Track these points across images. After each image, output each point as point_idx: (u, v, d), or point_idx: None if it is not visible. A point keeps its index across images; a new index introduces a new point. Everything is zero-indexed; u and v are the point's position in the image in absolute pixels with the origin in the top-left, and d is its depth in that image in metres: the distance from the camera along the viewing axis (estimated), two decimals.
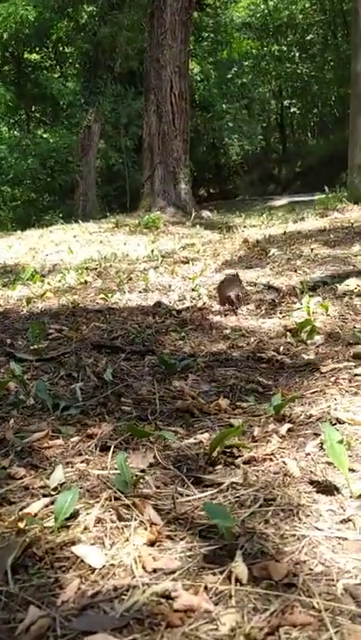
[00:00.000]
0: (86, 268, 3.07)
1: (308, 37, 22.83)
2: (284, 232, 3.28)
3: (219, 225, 6.56)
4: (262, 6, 23.01)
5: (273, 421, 1.00)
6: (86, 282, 2.52)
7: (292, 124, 26.59)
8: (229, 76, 16.96)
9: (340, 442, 0.75)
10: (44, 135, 16.14)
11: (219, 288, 2.03)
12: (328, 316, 1.68)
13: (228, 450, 0.87)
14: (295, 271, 2.36)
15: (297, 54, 22.61)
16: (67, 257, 4.14)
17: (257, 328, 1.66)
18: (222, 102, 16.66)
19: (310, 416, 1.00)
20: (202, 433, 0.96)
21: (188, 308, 1.99)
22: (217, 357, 1.39)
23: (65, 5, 10.69)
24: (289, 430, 0.96)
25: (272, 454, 0.87)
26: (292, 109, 24.98)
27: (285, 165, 25.74)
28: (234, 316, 1.81)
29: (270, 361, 1.35)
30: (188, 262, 2.93)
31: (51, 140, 13.75)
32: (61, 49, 15.09)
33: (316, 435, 0.94)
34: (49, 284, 2.55)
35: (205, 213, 9.09)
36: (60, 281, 2.60)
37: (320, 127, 25.10)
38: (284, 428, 0.96)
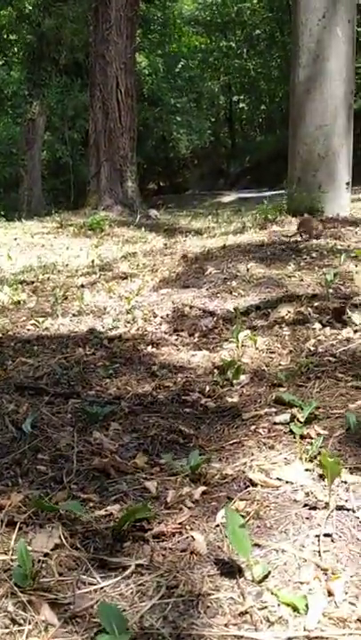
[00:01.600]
0: (22, 282, 3.00)
1: (256, 33, 23.02)
2: (224, 245, 3.30)
3: (165, 227, 6.56)
4: (210, 0, 23.02)
5: (189, 482, 1.01)
6: (19, 302, 2.46)
7: (240, 120, 26.85)
8: (177, 69, 16.87)
9: (242, 526, 0.76)
10: None
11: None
12: (257, 349, 1.70)
13: (139, 523, 0.87)
14: (230, 293, 2.38)
15: (245, 50, 22.79)
16: (5, 264, 4.03)
17: (186, 363, 1.66)
18: (171, 96, 16.56)
19: (225, 476, 1.01)
20: (115, 501, 0.95)
21: (120, 336, 1.97)
22: (142, 400, 1.38)
23: None
24: (203, 493, 0.96)
25: (182, 526, 0.87)
26: (240, 105, 25.22)
27: (234, 160, 25.96)
28: (166, 347, 1.81)
29: (194, 405, 1.36)
30: (126, 278, 2.90)
31: None
32: (5, 36, 14.60)
33: (230, 498, 0.95)
34: None
35: (153, 212, 9.05)
36: None
37: (268, 123, 25.45)
38: (198, 492, 0.96)
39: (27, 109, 10.57)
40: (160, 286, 2.65)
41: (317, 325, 1.87)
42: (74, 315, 2.27)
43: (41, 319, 2.11)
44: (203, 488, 0.98)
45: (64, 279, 3.19)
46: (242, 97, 24.69)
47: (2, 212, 11.17)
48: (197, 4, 22.42)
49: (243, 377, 1.47)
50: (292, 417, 1.19)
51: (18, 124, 12.94)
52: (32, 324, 2.07)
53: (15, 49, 15.00)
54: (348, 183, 3.88)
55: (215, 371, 1.55)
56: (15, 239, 5.29)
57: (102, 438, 1.15)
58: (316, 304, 2.11)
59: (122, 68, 8.41)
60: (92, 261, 3.79)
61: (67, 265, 3.82)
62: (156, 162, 22.42)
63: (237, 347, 1.71)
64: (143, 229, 6.13)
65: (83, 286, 2.85)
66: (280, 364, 1.54)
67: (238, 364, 1.50)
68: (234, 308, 2.12)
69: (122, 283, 2.84)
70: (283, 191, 18.28)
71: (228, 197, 17.95)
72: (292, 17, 3.81)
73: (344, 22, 3.63)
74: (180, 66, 16.55)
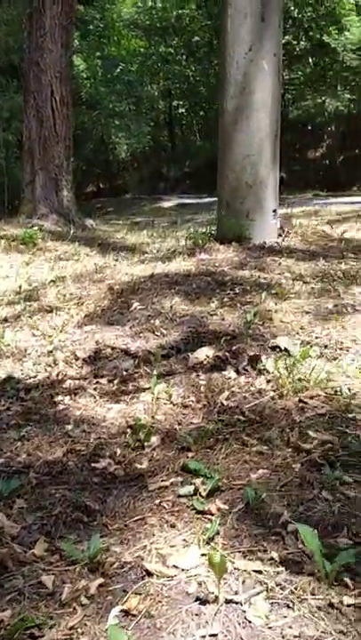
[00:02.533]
0: None
1: (195, 39, 23.23)
2: (152, 274, 3.32)
3: (98, 241, 6.51)
4: (150, 3, 23.06)
5: (87, 573, 1.02)
6: None
7: (180, 124, 27.03)
8: (116, 73, 16.78)
9: None
10: None
11: None
12: (171, 403, 1.73)
13: (29, 630, 0.87)
14: (153, 332, 2.40)
15: (184, 57, 22.97)
16: None
17: (101, 420, 1.66)
18: (109, 100, 16.45)
19: (123, 565, 1.03)
20: (9, 601, 0.95)
21: (38, 385, 1.96)
22: (51, 469, 1.38)
23: None
24: (100, 585, 0.98)
25: (73, 630, 0.88)
26: (180, 110, 25.39)
27: (174, 165, 26.12)
28: (83, 398, 1.81)
29: (103, 473, 1.37)
30: (51, 311, 2.87)
31: None
32: None
33: (125, 591, 0.97)
34: None
35: (89, 222, 8.97)
36: None
37: (207, 129, 25.73)
38: (94, 585, 0.98)
39: None
40: (85, 322, 2.64)
41: (233, 374, 1.92)
42: None
43: None
44: (100, 580, 0.99)
45: None
46: (181, 102, 24.89)
47: None
48: (137, 7, 22.40)
49: (154, 439, 1.50)
50: (196, 490, 1.23)
51: None
52: None
53: None
54: (274, 211, 3.99)
55: (128, 430, 1.56)
56: None
57: (4, 521, 1.14)
58: (234, 347, 2.16)
59: (57, 76, 8.29)
60: (20, 286, 3.72)
61: None
62: (95, 164, 22.18)
63: (153, 400, 1.74)
64: (77, 244, 6.05)
65: (6, 320, 2.80)
66: (192, 423, 1.58)
67: (150, 427, 1.52)
68: (153, 353, 2.14)
69: (47, 316, 2.80)
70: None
71: (168, 202, 18.02)
72: (220, 48, 3.88)
73: (270, 56, 3.74)
74: (118, 70, 16.45)
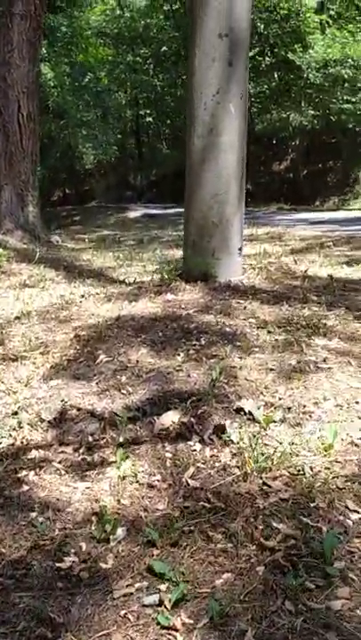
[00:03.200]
0: None
1: (163, 49, 23.31)
2: (118, 317, 3.32)
3: (64, 262, 6.46)
4: (118, 12, 23.05)
5: None
6: None
7: (147, 132, 27.05)
8: (84, 83, 16.69)
9: None
10: None
11: None
12: (137, 482, 1.74)
13: None
14: (119, 390, 2.41)
15: (152, 66, 23.04)
16: None
17: (65, 504, 1.66)
18: (77, 109, 16.34)
19: None
20: None
21: (2, 457, 1.93)
22: (15, 571, 1.37)
23: None
24: None
25: None
26: (147, 119, 25.43)
27: (141, 173, 26.15)
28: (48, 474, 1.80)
29: (68, 575, 1.37)
30: (16, 360, 2.84)
31: None
32: None
33: None
34: None
35: (54, 238, 8.91)
36: None
37: (173, 138, 25.84)
38: None
39: None
40: (51, 375, 2.62)
41: (198, 446, 1.94)
42: None
43: None
44: None
45: None
46: (148, 111, 24.93)
47: None
48: (105, 15, 22.35)
49: (120, 531, 1.50)
50: (161, 600, 1.24)
51: None
52: None
53: None
54: (240, 249, 4.05)
55: (94, 518, 1.57)
56: None
57: None
58: (200, 411, 2.19)
59: (24, 91, 8.20)
60: None
61: None
62: (61, 169, 21.99)
63: (119, 479, 1.75)
64: (43, 266, 5.99)
65: None
66: (157, 509, 1.59)
67: (115, 516, 1.53)
68: (120, 415, 2.15)
69: (12, 366, 2.77)
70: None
71: (135, 213, 18.02)
72: (187, 90, 3.92)
73: (237, 99, 3.80)
74: (86, 79, 16.35)
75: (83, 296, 4.04)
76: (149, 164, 25.27)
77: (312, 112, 17.36)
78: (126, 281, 4.96)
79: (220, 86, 3.73)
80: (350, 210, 15.21)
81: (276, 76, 18.02)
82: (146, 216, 16.63)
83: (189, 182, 3.99)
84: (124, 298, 3.86)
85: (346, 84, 15.69)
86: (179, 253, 6.81)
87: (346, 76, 15.42)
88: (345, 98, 15.54)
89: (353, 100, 15.52)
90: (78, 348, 2.88)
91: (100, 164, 22.91)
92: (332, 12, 17.79)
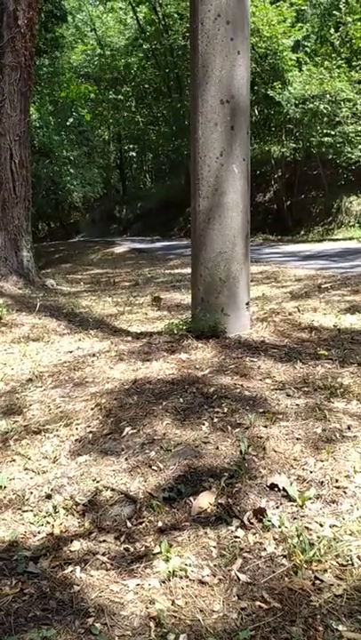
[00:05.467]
0: None
1: (144, 87, 23.88)
2: (135, 381, 3.35)
3: (64, 310, 6.48)
4: (99, 52, 23.60)
5: None
6: None
7: (131, 167, 27.42)
8: (68, 123, 16.99)
9: None
10: None
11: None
12: (187, 578, 1.75)
13: None
14: (150, 467, 2.42)
15: (133, 103, 23.53)
16: None
17: (119, 606, 1.65)
18: (62, 149, 16.61)
19: None
20: None
21: (44, 550, 1.93)
22: None
23: None
24: None
25: None
26: (131, 153, 25.86)
27: (126, 206, 26.48)
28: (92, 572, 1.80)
29: None
30: (39, 432, 2.85)
31: None
32: None
33: None
34: None
35: (49, 282, 8.95)
36: None
37: (157, 172, 26.26)
38: None
39: None
40: (78, 450, 2.63)
41: (240, 532, 1.96)
42: None
43: None
44: None
45: None
46: (131, 146, 25.36)
47: None
48: (86, 55, 22.87)
49: (181, 638, 1.51)
50: None
51: None
52: None
53: None
54: (247, 303, 4.13)
55: (152, 624, 1.57)
56: None
57: None
58: (235, 489, 2.21)
59: (16, 140, 8.34)
60: None
61: None
62: (46, 203, 22.21)
63: (169, 574, 1.76)
64: (44, 316, 6.01)
65: None
66: (213, 610, 1.61)
67: (173, 622, 1.54)
68: (155, 496, 2.16)
69: (36, 440, 2.78)
70: (175, 242, 18.92)
71: (122, 248, 18.16)
72: (191, 152, 4.03)
73: (240, 160, 3.92)
74: (71, 120, 16.65)
75: (94, 355, 4.06)
76: (134, 198, 25.61)
77: (293, 145, 17.81)
78: (132, 332, 5.00)
79: (224, 149, 3.85)
80: (335, 240, 15.51)
81: (256, 111, 18.50)
82: (134, 251, 16.78)
83: (195, 241, 4.08)
84: (137, 357, 3.89)
85: (325, 118, 16.17)
86: (177, 297, 6.90)
87: (324, 111, 15.91)
88: (325, 131, 16.00)
89: (332, 132, 15.98)
90: (101, 418, 2.90)
91: (85, 198, 23.15)
92: (308, 50, 18.42)
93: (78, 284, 9.38)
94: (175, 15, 20.37)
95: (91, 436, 2.74)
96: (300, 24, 17.36)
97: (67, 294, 7.95)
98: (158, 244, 18.34)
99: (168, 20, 20.83)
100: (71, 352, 4.43)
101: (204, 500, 2.16)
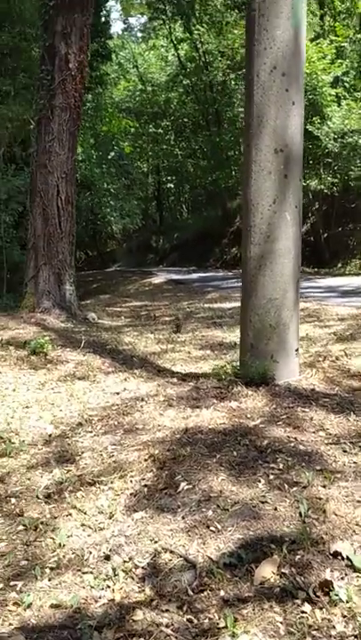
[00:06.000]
0: None
1: (183, 120, 24.37)
2: (186, 430, 3.33)
3: (108, 346, 6.53)
4: (140, 87, 24.29)
5: None
6: None
7: (168, 198, 27.86)
8: (110, 156, 17.44)
9: None
10: None
11: None
12: None
13: None
14: (208, 527, 2.38)
15: (172, 137, 24.02)
16: None
17: None
18: (103, 181, 17.02)
19: None
20: None
21: (107, 619, 1.90)
22: None
23: None
24: None
25: None
26: (168, 185, 26.30)
27: (163, 237, 26.84)
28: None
29: None
30: (93, 484, 2.84)
31: None
32: None
33: None
34: None
35: (90, 315, 9.06)
36: None
37: (194, 204, 26.57)
38: None
39: None
40: (133, 505, 2.62)
41: (307, 607, 1.90)
42: (51, 569, 2.18)
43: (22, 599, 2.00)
44: None
45: (22, 471, 3.08)
46: (169, 177, 25.80)
47: None
48: (127, 91, 23.57)
49: None
50: None
51: None
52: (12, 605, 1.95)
53: None
54: (296, 350, 4.09)
55: None
56: None
57: None
58: (297, 557, 2.16)
59: (63, 177, 8.59)
60: (47, 431, 3.70)
61: (18, 432, 3.70)
62: (84, 233, 22.70)
63: None
64: (88, 352, 6.07)
65: (49, 497, 2.76)
66: None
67: None
68: (215, 561, 2.12)
69: (90, 492, 2.77)
70: (212, 273, 18.98)
71: (159, 279, 18.34)
72: (242, 199, 4.07)
73: (292, 208, 3.93)
74: (112, 154, 17.10)
75: (142, 399, 4.06)
76: (171, 228, 25.93)
77: (331, 179, 17.82)
78: (177, 372, 5.00)
79: (277, 196, 3.87)
80: None
81: None
82: (171, 282, 16.91)
83: (245, 287, 4.08)
84: (185, 402, 3.88)
85: None
86: (219, 335, 6.89)
87: None
88: None
89: None
90: (155, 471, 2.88)
91: (123, 228, 23.57)
92: (347, 85, 18.56)
93: (119, 317, 9.48)
94: (215, 52, 20.88)
95: (146, 490, 2.72)
96: (339, 60, 17.53)
97: (108, 329, 8.02)
98: (195, 275, 18.46)
99: (208, 56, 21.34)
100: (118, 394, 4.45)
101: (267, 569, 2.11)
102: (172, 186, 26.40)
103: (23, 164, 13.81)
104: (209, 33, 20.31)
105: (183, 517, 2.48)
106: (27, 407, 4.29)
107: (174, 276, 18.40)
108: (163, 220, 27.05)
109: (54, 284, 8.77)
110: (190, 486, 2.69)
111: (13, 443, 3.48)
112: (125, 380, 4.92)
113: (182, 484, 2.71)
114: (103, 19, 17.09)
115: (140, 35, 27.26)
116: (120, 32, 25.74)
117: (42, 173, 8.50)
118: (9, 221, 14.47)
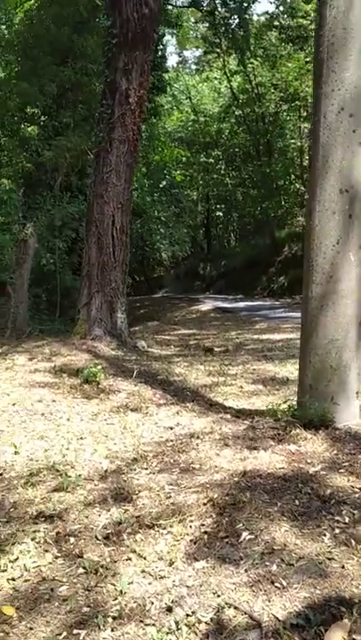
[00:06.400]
0: (37, 519, 2.86)
1: (235, 149, 24.63)
2: (244, 473, 3.26)
3: (158, 376, 6.53)
4: (193, 118, 24.75)
5: None
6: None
7: (216, 226, 28.07)
8: (161, 185, 17.75)
9: None
10: None
11: None
12: None
13: None
14: (272, 583, 2.30)
15: (223, 166, 24.29)
16: (9, 457, 3.90)
17: None
18: (154, 209, 17.31)
19: None
20: None
21: None
22: None
23: (11, 122, 10.88)
24: None
25: None
26: (217, 213, 26.52)
27: (210, 264, 26.95)
28: None
29: None
30: (152, 527, 2.81)
31: None
32: (7, 159, 15.22)
33: None
34: None
35: (140, 344, 9.11)
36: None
37: (242, 232, 26.66)
38: None
39: (19, 231, 10.80)
40: (194, 553, 2.56)
41: None
42: (114, 618, 2.14)
43: None
44: None
45: (80, 508, 3.07)
46: (218, 206, 26.03)
47: None
48: (180, 122, 24.07)
49: None
50: None
51: (3, 231, 13.21)
52: None
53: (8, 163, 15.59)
54: (357, 392, 3.98)
55: None
56: (14, 404, 5.17)
57: None
58: None
59: (119, 207, 8.78)
60: (102, 465, 3.70)
61: (74, 465, 3.71)
62: (133, 258, 23.06)
63: None
64: (139, 382, 6.09)
65: (107, 538, 2.73)
66: None
67: None
68: (282, 620, 2.04)
69: (149, 536, 2.73)
70: (259, 302, 18.77)
71: (206, 306, 18.36)
72: (305, 238, 4.04)
73: (356, 248, 3.87)
74: (163, 183, 17.40)
75: (197, 436, 4.02)
76: (218, 256, 26.05)
77: None
78: (229, 407, 4.95)
79: (340, 237, 3.82)
80: None
81: None
82: (218, 310, 16.90)
83: (306, 327, 4.02)
84: (242, 443, 3.81)
85: None
86: (271, 369, 6.79)
87: None
88: None
89: None
90: (215, 516, 2.82)
91: (172, 255, 23.84)
92: None
93: (168, 346, 9.51)
94: (268, 84, 21.13)
95: (206, 537, 2.66)
96: None
97: (158, 358, 8.04)
98: (242, 304, 18.40)
99: (261, 88, 21.60)
100: (172, 429, 4.42)
101: (338, 634, 2.01)
102: (221, 214, 26.60)
103: (78, 192, 14.23)
104: (263, 66, 20.59)
105: (246, 570, 2.40)
106: (81, 438, 4.31)
107: (221, 304, 18.39)
108: (210, 248, 27.20)
109: (106, 311, 8.90)
110: (252, 536, 2.62)
111: (70, 477, 3.48)
112: (178, 413, 4.90)
113: (244, 534, 2.64)
114: (160, 53, 17.59)
115: (193, 67, 27.91)
116: (175, 65, 26.43)
117: (98, 203, 8.72)
118: (62, 247, 14.88)
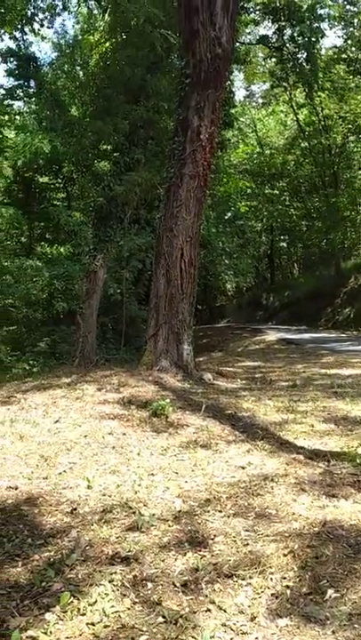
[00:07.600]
0: (113, 570, 2.84)
1: (300, 181, 24.54)
2: (324, 523, 3.13)
3: (227, 412, 6.44)
4: (258, 150, 24.95)
5: None
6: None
7: (280, 256, 27.89)
8: (227, 217, 17.89)
9: None
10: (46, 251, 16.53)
11: None
12: None
13: None
14: None
15: (288, 197, 24.24)
16: (83, 491, 3.93)
17: None
18: (219, 240, 17.43)
19: None
20: None
21: None
22: None
23: (85, 159, 11.37)
24: None
25: None
26: (281, 243, 26.38)
27: (273, 294, 26.72)
28: None
29: None
30: (231, 577, 2.72)
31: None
32: (68, 175, 15.85)
33: None
34: None
35: (206, 376, 9.06)
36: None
37: (306, 262, 26.33)
38: None
39: (90, 262, 11.14)
40: (276, 609, 2.45)
41: None
42: None
43: None
44: None
45: (155, 551, 3.02)
46: (282, 237, 25.90)
47: (57, 355, 11.34)
48: (246, 154, 24.31)
49: None
50: None
51: (74, 261, 13.64)
52: None
53: (76, 186, 16.19)
54: None
55: None
56: (85, 436, 5.23)
57: None
58: None
59: (187, 240, 8.89)
60: (175, 505, 3.65)
61: (146, 503, 3.68)
62: (197, 287, 23.21)
63: None
64: (207, 417, 6.03)
65: (185, 586, 2.67)
66: None
67: None
68: None
69: (228, 587, 2.65)
70: (324, 334, 18.32)
71: (270, 337, 18.12)
72: None
73: None
74: (228, 214, 17.52)
75: (271, 479, 3.91)
76: (282, 286, 25.80)
77: None
78: (301, 447, 4.80)
79: None
80: None
81: None
82: (283, 341, 16.63)
83: None
84: (319, 489, 3.67)
85: None
86: (341, 407, 6.56)
87: None
88: None
89: None
90: (296, 570, 2.70)
91: (236, 285, 23.83)
92: None
93: (234, 379, 9.40)
94: (335, 116, 21.04)
95: (289, 592, 2.55)
96: None
97: (225, 391, 7.96)
98: (306, 335, 18.04)
99: (328, 120, 21.54)
100: (244, 468, 4.32)
101: None
102: (285, 245, 26.43)
103: (145, 224, 14.56)
104: (330, 98, 20.57)
105: (334, 632, 2.27)
106: (152, 474, 4.29)
107: (286, 335, 18.10)
108: (274, 278, 26.99)
109: (173, 343, 8.94)
110: (338, 595, 2.48)
111: (143, 515, 3.45)
112: (248, 452, 4.79)
113: (329, 592, 2.51)
114: (228, 88, 17.93)
115: (260, 100, 28.25)
116: (242, 99, 26.86)
117: (168, 237, 8.86)
118: (129, 278, 15.20)
